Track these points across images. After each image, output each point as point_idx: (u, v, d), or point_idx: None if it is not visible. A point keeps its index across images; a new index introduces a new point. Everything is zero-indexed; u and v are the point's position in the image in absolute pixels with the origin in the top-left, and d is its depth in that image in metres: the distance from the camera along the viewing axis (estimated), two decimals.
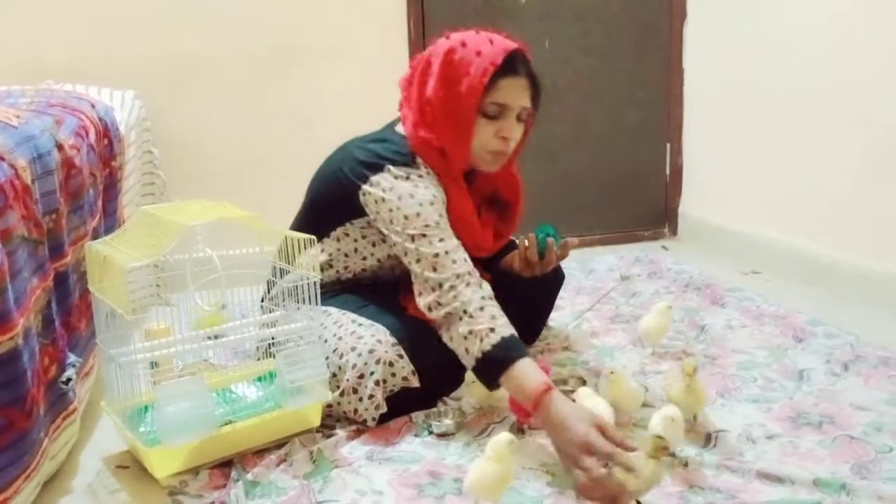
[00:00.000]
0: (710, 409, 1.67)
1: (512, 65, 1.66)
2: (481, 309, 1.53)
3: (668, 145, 3.24)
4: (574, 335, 2.13)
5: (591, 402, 1.54)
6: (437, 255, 1.59)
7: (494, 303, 1.57)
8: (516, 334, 1.53)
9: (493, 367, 1.50)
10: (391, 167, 1.66)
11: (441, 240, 1.61)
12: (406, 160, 1.68)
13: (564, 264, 2.39)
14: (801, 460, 1.46)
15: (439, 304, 1.57)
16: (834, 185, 2.46)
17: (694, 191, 3.21)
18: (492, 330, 1.51)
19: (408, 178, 1.66)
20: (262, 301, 1.82)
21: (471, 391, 1.66)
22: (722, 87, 2.96)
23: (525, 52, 1.70)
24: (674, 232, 3.28)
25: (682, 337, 2.10)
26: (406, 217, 1.62)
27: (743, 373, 1.85)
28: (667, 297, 2.44)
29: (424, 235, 1.61)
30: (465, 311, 1.54)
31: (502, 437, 1.32)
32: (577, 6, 3.05)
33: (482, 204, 1.87)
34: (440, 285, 1.57)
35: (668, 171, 3.26)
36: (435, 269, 1.59)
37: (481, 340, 1.51)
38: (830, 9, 2.41)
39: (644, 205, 3.27)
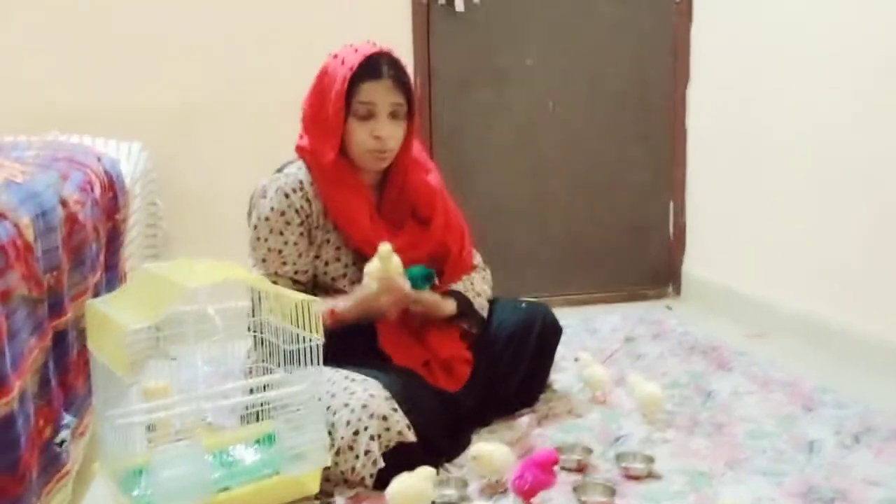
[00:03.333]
0: (718, 481, 1.64)
1: (373, 68, 1.76)
2: None
3: (671, 204, 3.23)
4: (578, 399, 2.09)
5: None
6: None
7: None
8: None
9: None
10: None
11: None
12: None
13: (567, 323, 2.38)
14: None
15: None
16: (841, 248, 2.44)
17: (697, 250, 3.20)
18: None
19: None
20: (248, 356, 1.80)
21: (477, 463, 1.62)
22: (725, 147, 2.97)
23: (390, 54, 1.80)
24: (678, 291, 3.25)
25: (688, 403, 2.07)
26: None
27: (752, 442, 1.81)
28: (672, 360, 2.41)
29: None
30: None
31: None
32: (584, 69, 3.07)
33: (406, 219, 1.91)
34: None
35: (671, 230, 3.25)
36: None
37: None
38: (838, 68, 2.43)
39: (647, 263, 3.25)
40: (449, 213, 1.96)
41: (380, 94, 1.77)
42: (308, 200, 1.82)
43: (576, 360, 2.13)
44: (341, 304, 1.76)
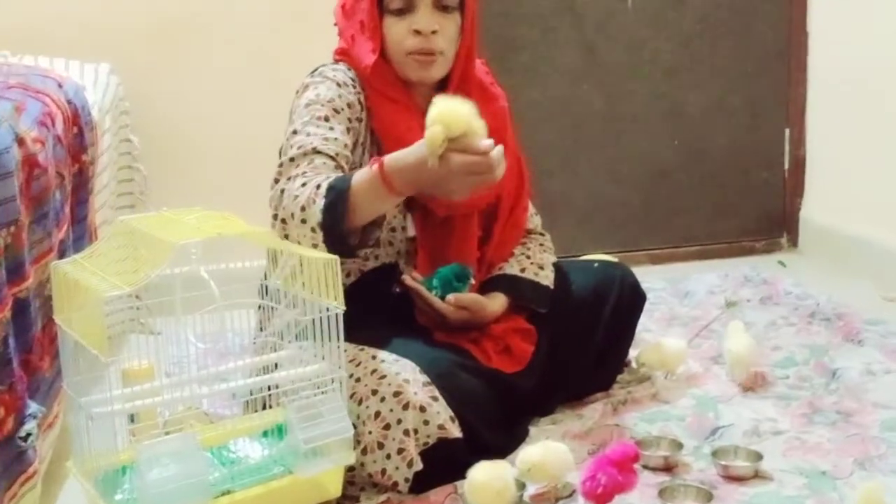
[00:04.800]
0: (844, 482, 1.65)
1: None
2: (304, 185, 1.62)
3: (788, 131, 3.19)
4: (665, 381, 2.10)
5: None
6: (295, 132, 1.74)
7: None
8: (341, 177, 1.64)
9: (338, 209, 1.57)
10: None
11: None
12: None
13: (650, 286, 2.39)
14: None
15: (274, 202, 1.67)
16: None
17: (820, 190, 3.16)
18: (317, 187, 1.60)
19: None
20: (261, 329, 1.83)
21: (526, 475, 1.63)
22: (858, 56, 2.91)
23: None
24: (794, 243, 3.23)
25: (807, 384, 2.08)
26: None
27: (889, 435, 1.82)
28: (786, 330, 2.41)
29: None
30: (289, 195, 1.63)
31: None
32: None
33: None
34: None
35: (786, 165, 3.21)
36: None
37: (315, 203, 1.58)
38: None
39: (755, 207, 3.23)
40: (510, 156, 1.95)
41: None
42: (360, 102, 1.83)
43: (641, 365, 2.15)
44: (393, 157, 1.61)
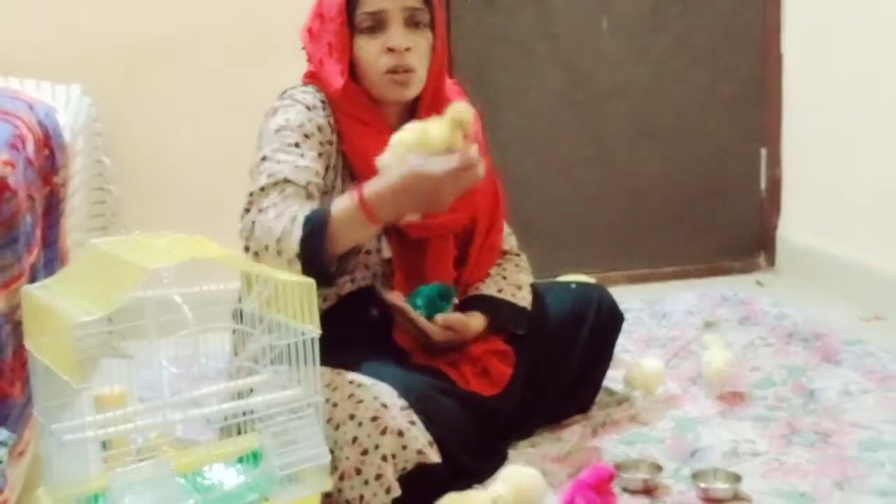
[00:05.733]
0: (823, 503, 1.65)
1: None
2: (277, 216, 1.63)
3: (764, 151, 3.21)
4: (644, 402, 2.11)
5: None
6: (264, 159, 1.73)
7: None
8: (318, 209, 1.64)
9: (316, 241, 1.58)
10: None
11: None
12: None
13: (628, 306, 2.40)
14: None
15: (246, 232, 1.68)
16: None
17: (796, 210, 3.18)
18: (293, 219, 1.61)
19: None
20: (235, 353, 1.82)
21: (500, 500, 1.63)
22: (832, 77, 2.94)
23: None
24: (771, 262, 3.25)
25: (785, 405, 2.08)
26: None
27: (867, 455, 1.82)
28: (764, 350, 2.42)
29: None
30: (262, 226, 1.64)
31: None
32: None
33: None
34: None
35: (763, 185, 3.23)
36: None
37: (291, 235, 1.59)
38: None
39: (732, 227, 3.25)
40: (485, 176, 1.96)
41: None
42: (329, 126, 1.82)
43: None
44: (372, 186, 1.63)
